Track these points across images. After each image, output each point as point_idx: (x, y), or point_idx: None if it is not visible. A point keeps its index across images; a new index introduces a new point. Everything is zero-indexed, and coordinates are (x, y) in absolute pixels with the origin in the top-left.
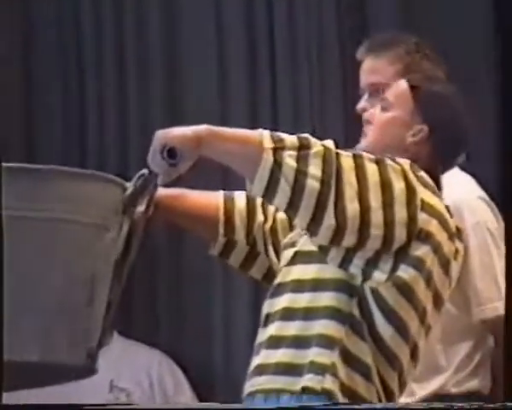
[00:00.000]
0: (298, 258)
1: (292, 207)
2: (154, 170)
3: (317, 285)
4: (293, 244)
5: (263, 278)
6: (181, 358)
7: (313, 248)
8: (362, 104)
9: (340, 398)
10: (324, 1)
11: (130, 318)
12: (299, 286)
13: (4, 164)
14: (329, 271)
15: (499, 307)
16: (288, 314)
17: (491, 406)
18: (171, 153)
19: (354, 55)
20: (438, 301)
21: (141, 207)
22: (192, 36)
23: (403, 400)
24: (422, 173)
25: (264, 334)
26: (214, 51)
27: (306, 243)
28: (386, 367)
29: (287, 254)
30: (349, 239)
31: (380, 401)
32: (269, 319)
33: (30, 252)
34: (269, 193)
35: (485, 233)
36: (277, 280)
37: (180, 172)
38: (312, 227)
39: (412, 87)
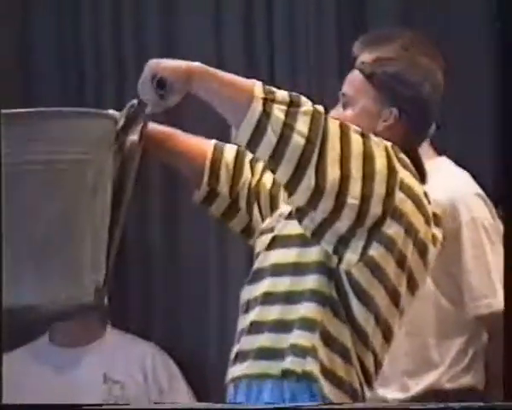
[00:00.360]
0: (277, 242)
1: (274, 159)
2: (143, 99)
3: (297, 269)
4: (271, 230)
5: (241, 232)
6: (175, 351)
7: (292, 232)
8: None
9: (321, 380)
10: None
11: (125, 310)
12: (279, 270)
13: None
14: (309, 254)
15: (493, 304)
16: (269, 299)
17: (491, 404)
18: (160, 83)
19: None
20: (412, 284)
21: (134, 136)
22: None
23: (397, 395)
24: (402, 155)
25: (245, 320)
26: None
27: (285, 228)
28: (363, 349)
29: (265, 239)
30: (325, 203)
31: (359, 382)
32: (249, 305)
33: (32, 191)
34: (253, 141)
35: (479, 229)
36: (255, 266)
37: (168, 104)
38: (292, 184)
39: (368, 76)
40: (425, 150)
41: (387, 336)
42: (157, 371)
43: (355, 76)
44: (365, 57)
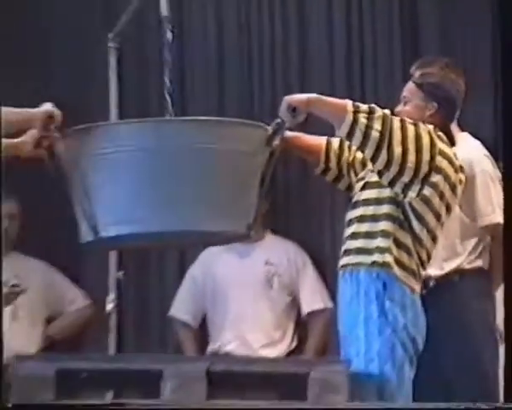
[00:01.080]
0: (367, 186)
1: (362, 146)
2: (283, 119)
3: (378, 201)
4: (363, 178)
5: (345, 189)
6: (307, 247)
7: (373, 179)
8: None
9: (395, 267)
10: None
11: (284, 220)
12: (367, 202)
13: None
14: (385, 193)
15: (493, 218)
16: (362, 219)
17: (492, 405)
18: (293, 109)
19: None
20: (448, 208)
21: (277, 141)
22: None
23: (436, 272)
24: (440, 133)
25: (348, 231)
26: None
27: (371, 177)
28: (419, 248)
29: (360, 184)
30: (394, 168)
31: (417, 267)
32: (351, 222)
33: (219, 168)
34: (349, 137)
35: (486, 176)
36: (354, 199)
37: (298, 121)
38: (374, 159)
39: (418, 85)
40: (454, 128)
41: (434, 239)
42: (296, 258)
43: (410, 85)
44: (416, 74)
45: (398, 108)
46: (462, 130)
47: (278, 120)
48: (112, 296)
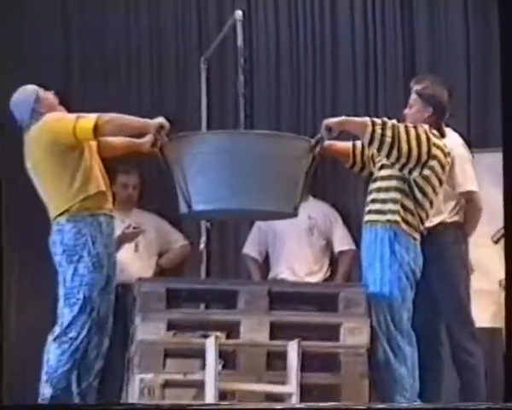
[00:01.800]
0: (382, 166)
1: (379, 149)
2: (322, 136)
3: (390, 177)
4: (380, 161)
5: (367, 176)
6: (337, 207)
7: (387, 162)
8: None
9: (402, 223)
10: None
11: (321, 187)
12: (383, 178)
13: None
14: (395, 173)
15: (466, 186)
16: (379, 190)
17: (492, 405)
18: (329, 129)
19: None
20: (441, 182)
21: (317, 149)
22: None
23: (428, 224)
24: (434, 131)
25: (368, 198)
26: None
27: (385, 160)
28: (421, 211)
29: (378, 164)
30: (403, 160)
31: (418, 224)
32: (371, 192)
33: (277, 166)
34: (370, 143)
35: (462, 158)
36: (373, 176)
37: (333, 136)
38: (387, 156)
39: (419, 95)
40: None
41: (431, 204)
42: (330, 214)
43: (413, 95)
44: (416, 87)
45: (406, 111)
46: (446, 125)
47: (319, 136)
48: (203, 239)
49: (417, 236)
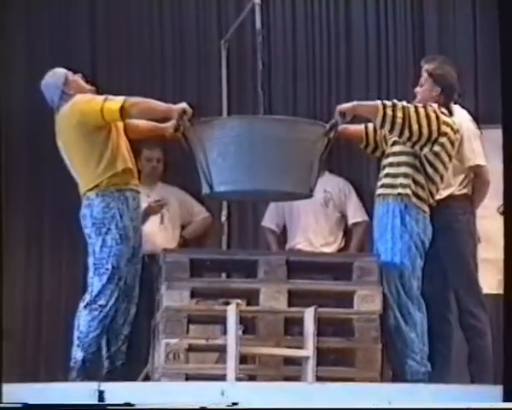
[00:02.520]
0: (395, 143)
1: (391, 130)
2: (336, 120)
3: (402, 153)
4: (391, 138)
5: (380, 156)
6: (352, 181)
7: (399, 142)
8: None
9: (412, 197)
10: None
11: (336, 163)
12: (395, 154)
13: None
14: (407, 149)
15: (475, 161)
16: (391, 165)
17: (491, 407)
18: (343, 114)
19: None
20: (450, 158)
21: (332, 133)
22: None
23: (438, 197)
24: (443, 109)
25: (382, 173)
26: None
27: (396, 139)
28: (431, 185)
29: (390, 141)
30: (414, 138)
31: (428, 198)
32: (384, 167)
33: (295, 149)
34: (382, 125)
35: (470, 133)
36: (386, 151)
37: (347, 120)
38: (399, 136)
39: (429, 74)
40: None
41: (441, 178)
42: (344, 188)
43: (424, 74)
44: (426, 66)
45: (417, 89)
46: (455, 103)
47: (333, 121)
48: (224, 212)
49: (427, 209)
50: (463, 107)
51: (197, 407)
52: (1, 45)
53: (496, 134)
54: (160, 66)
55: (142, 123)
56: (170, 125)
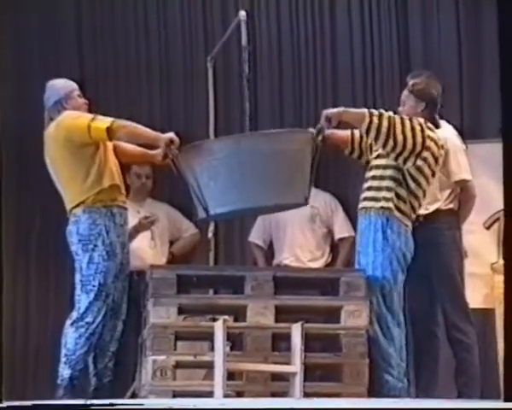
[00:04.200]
0: (378, 156)
1: (376, 139)
2: (322, 125)
3: (385, 167)
4: (376, 151)
5: (365, 163)
6: (338, 196)
7: (383, 153)
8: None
9: (394, 210)
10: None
11: (323, 178)
12: (378, 167)
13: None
14: (390, 163)
15: (461, 175)
16: (374, 178)
17: (490, 407)
18: (329, 119)
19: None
20: (433, 174)
21: (319, 138)
22: None
23: (422, 211)
24: (429, 124)
25: (364, 185)
26: None
27: (381, 150)
28: (413, 199)
29: (374, 154)
30: (398, 149)
31: (410, 212)
32: (367, 180)
33: (284, 160)
34: (367, 133)
35: (456, 148)
36: (370, 164)
37: (333, 126)
38: (383, 146)
39: (410, 91)
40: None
41: (424, 193)
42: (331, 203)
43: (405, 92)
44: (411, 82)
45: (400, 109)
46: (441, 118)
47: (319, 126)
48: (211, 228)
49: (409, 223)
50: (449, 122)
51: (189, 407)
52: None
53: (480, 149)
54: (147, 79)
55: (131, 148)
56: (158, 152)
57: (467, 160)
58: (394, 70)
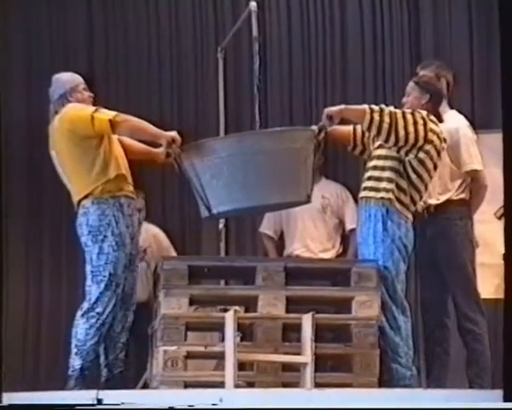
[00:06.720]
0: (380, 146)
1: (378, 134)
2: (324, 124)
3: (386, 157)
4: (378, 141)
5: (367, 158)
6: (347, 186)
7: (385, 146)
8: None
9: (395, 201)
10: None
11: (333, 169)
12: (379, 157)
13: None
14: (391, 154)
15: (472, 166)
16: (375, 168)
17: (491, 407)
18: (330, 117)
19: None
20: (435, 167)
21: (321, 136)
22: None
23: (433, 201)
24: (432, 117)
25: (365, 175)
26: None
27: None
28: (414, 192)
29: (376, 144)
30: (400, 142)
31: (410, 204)
32: (368, 170)
33: (287, 156)
34: (368, 129)
35: (467, 138)
36: (372, 155)
37: (334, 123)
38: (385, 140)
39: (416, 82)
40: (446, 107)
41: (426, 186)
42: (342, 194)
43: (411, 83)
44: (419, 73)
45: (404, 100)
46: (451, 108)
47: (321, 124)
48: (222, 219)
49: (409, 215)
50: (460, 112)
51: (184, 407)
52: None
53: (492, 139)
54: (157, 72)
55: (135, 144)
56: (162, 150)
57: (478, 150)
58: (405, 65)
